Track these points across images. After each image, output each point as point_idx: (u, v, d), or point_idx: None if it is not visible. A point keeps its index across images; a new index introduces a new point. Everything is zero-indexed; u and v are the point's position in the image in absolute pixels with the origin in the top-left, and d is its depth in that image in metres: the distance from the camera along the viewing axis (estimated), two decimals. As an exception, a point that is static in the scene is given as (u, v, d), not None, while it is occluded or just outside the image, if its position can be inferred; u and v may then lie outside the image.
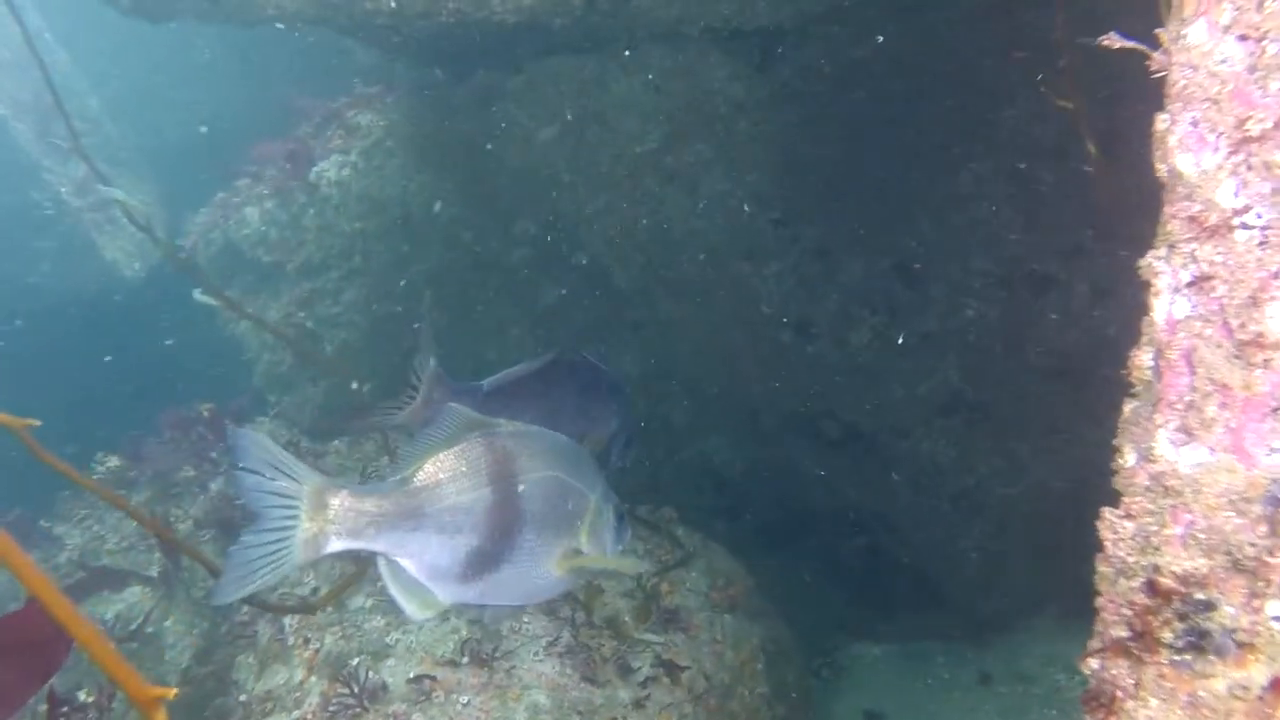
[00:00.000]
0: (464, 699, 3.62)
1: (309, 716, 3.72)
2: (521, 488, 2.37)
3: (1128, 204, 4.85)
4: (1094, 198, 4.18)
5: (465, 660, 3.74)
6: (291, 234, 6.50)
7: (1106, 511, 1.98)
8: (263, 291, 6.65)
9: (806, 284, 5.92)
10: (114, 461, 5.56)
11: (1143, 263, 2.17)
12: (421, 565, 2.28)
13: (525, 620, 3.95)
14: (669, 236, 6.06)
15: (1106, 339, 5.70)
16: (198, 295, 4.52)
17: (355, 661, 3.81)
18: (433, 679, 3.67)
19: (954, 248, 5.76)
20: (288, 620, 3.99)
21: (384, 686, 3.70)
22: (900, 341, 5.84)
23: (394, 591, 2.30)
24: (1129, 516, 1.90)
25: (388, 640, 3.85)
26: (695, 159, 5.97)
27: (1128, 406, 2.28)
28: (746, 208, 5.95)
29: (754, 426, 6.42)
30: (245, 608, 4.22)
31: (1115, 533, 1.93)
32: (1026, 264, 5.71)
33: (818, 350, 5.99)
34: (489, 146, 6.26)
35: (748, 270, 5.99)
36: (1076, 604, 5.75)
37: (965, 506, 6.13)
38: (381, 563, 2.30)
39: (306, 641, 3.91)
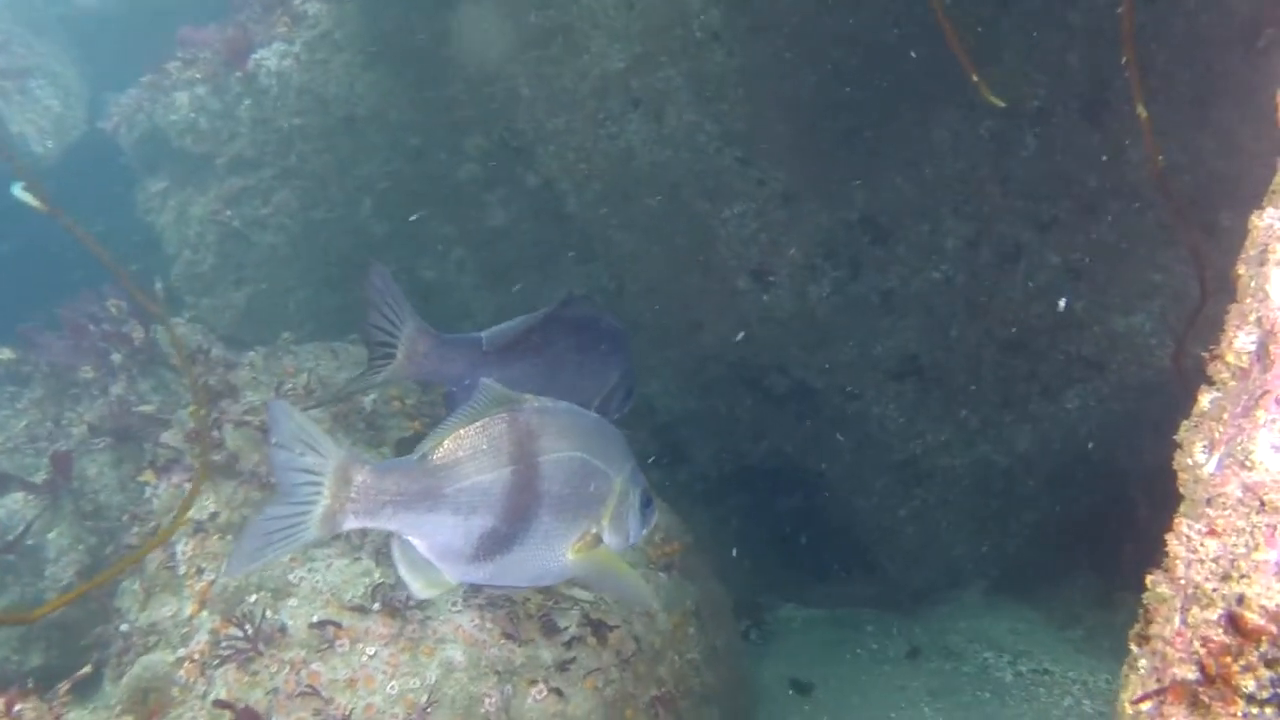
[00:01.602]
0: (370, 650, 3.19)
1: (195, 656, 3.26)
2: (543, 468, 2.27)
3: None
4: (1147, 162, 3.73)
5: (376, 607, 3.30)
6: (223, 125, 5.88)
7: (1184, 523, 1.59)
8: (188, 184, 6.04)
9: (768, 229, 5.49)
10: (6, 354, 4.98)
11: (1258, 222, 1.77)
12: (433, 545, 2.24)
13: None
14: (629, 165, 5.58)
15: (1072, 315, 5.38)
16: (16, 192, 3.77)
17: (253, 599, 3.35)
18: (338, 625, 3.23)
19: (925, 205, 5.37)
20: (180, 546, 3.51)
21: (283, 629, 3.25)
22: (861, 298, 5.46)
23: (401, 569, 2.26)
24: (1213, 533, 1.51)
25: (290, 578, 3.39)
26: (664, 85, 5.47)
27: (1205, 397, 1.89)
28: (713, 142, 5.48)
29: (699, 373, 6.01)
30: (136, 525, 3.73)
31: (1192, 550, 1.53)
32: (998, 229, 5.35)
33: (773, 300, 5.58)
34: (445, 51, 5.70)
35: (708, 209, 5.54)
36: (1003, 579, 5.48)
37: (908, 474, 5.81)
38: (394, 541, 2.25)
39: (200, 571, 3.44)
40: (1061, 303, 5.27)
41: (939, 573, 6.05)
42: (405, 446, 3.87)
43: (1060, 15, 5.17)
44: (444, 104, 5.81)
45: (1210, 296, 4.67)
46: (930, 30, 5.37)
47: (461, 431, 2.23)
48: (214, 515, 3.56)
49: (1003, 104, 4.14)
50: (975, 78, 4.03)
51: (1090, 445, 5.75)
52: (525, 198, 5.98)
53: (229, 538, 3.48)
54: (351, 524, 2.16)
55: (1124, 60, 3.04)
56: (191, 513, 3.57)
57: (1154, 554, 5.32)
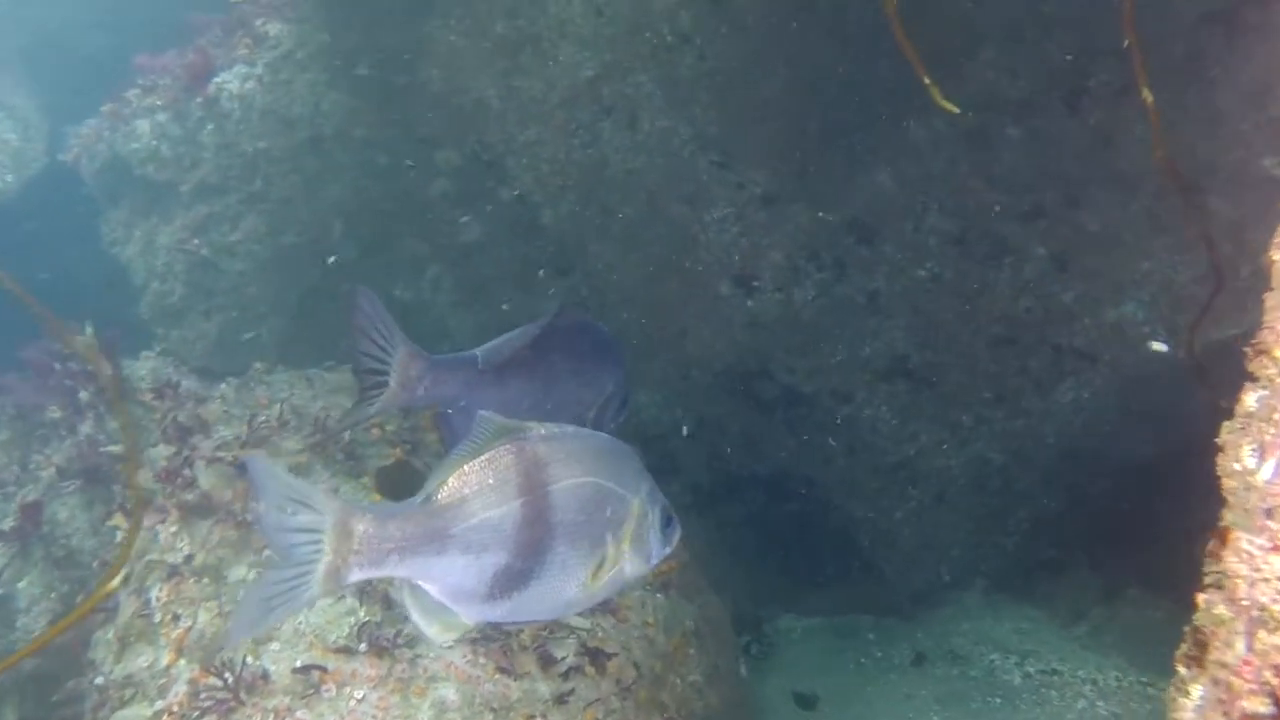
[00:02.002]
0: (359, 693, 3.01)
1: (174, 708, 3.08)
2: (554, 497, 2.18)
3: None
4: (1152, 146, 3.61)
5: (362, 647, 3.12)
6: (187, 151, 5.70)
7: (1242, 537, 1.44)
8: (153, 213, 5.85)
9: (749, 233, 5.35)
10: (-32, 396, 4.79)
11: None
12: (445, 588, 2.14)
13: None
14: (603, 174, 5.43)
15: (1061, 308, 5.25)
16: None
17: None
18: (323, 669, 3.05)
19: (908, 203, 5.23)
20: (155, 591, 3.33)
21: (265, 676, 3.06)
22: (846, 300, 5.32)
23: (414, 615, 2.17)
24: (1278, 549, 1.36)
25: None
26: (635, 92, 5.32)
27: (1250, 396, 1.74)
28: (688, 147, 5.33)
29: (685, 383, 5.85)
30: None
31: (1255, 568, 1.38)
32: (983, 224, 5.22)
33: (758, 305, 5.43)
34: (410, 66, 5.54)
35: (687, 215, 5.39)
36: (1003, 578, 5.33)
37: (903, 476, 5.67)
38: (405, 588, 2.17)
39: (176, 618, 3.25)
40: (1160, 346, 5.15)
41: (937, 574, 5.90)
42: (386, 476, 3.70)
43: (1035, 5, 5.05)
44: (412, 120, 5.65)
45: (1222, 283, 4.59)
46: (905, 25, 5.28)
47: (466, 468, 2.13)
48: (189, 558, 3.37)
49: (957, 109, 3.94)
50: (928, 81, 3.85)
51: (1085, 438, 5.62)
52: (499, 212, 5.82)
53: (205, 581, 3.30)
54: (357, 576, 2.06)
55: (1126, 44, 2.90)
56: (165, 556, 3.39)
57: (1153, 546, 5.15)
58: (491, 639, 3.23)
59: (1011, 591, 6.07)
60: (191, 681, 3.09)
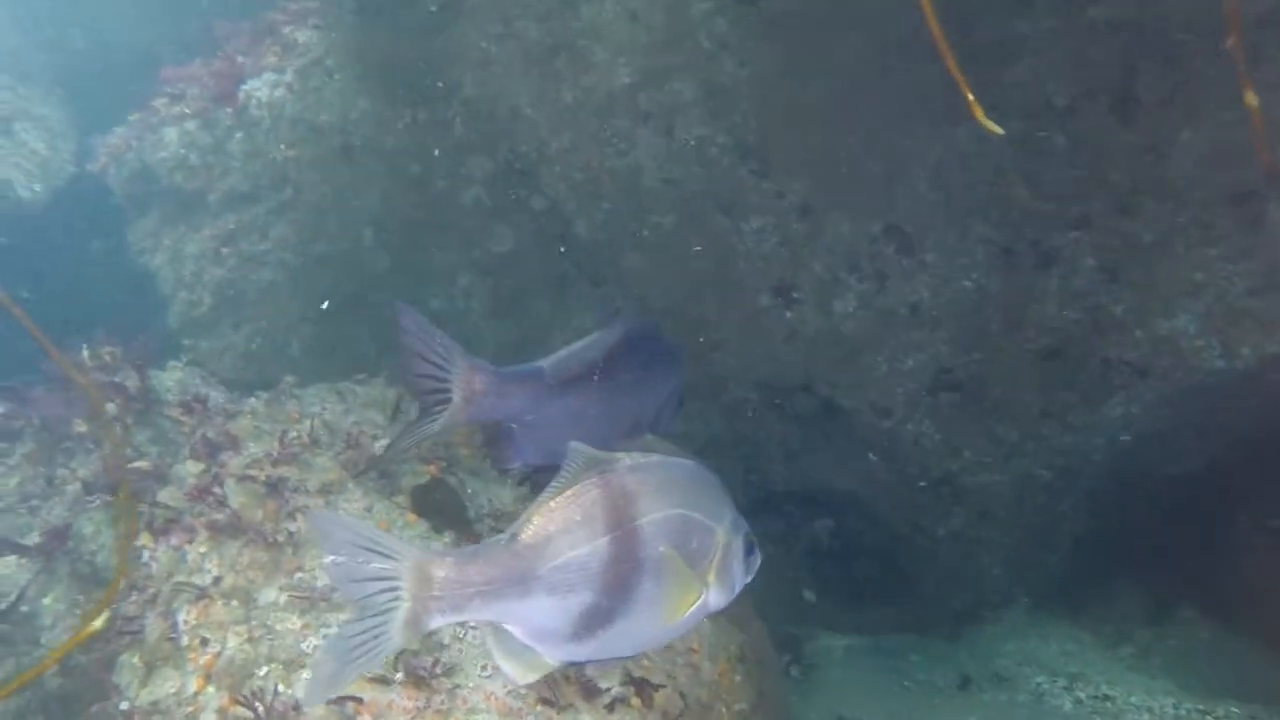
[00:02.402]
0: (395, 725, 2.85)
1: (202, 738, 2.93)
2: (642, 532, 2.10)
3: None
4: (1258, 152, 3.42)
5: (399, 677, 2.96)
6: (215, 159, 5.58)
7: None
8: (181, 222, 5.73)
9: (789, 243, 5.18)
10: (-5, 408, 4.65)
11: None
12: (529, 629, 2.07)
13: (471, 626, 3.18)
14: (639, 183, 5.27)
15: (1111, 320, 5.06)
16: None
17: (263, 672, 3.01)
18: (358, 700, 2.89)
19: (953, 211, 5.06)
20: (183, 615, 3.18)
21: (297, 707, 2.91)
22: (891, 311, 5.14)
23: (497, 657, 2.11)
24: None
25: (304, 647, 3.05)
26: (672, 99, 5.17)
27: None
28: (726, 156, 5.17)
29: (721, 396, 5.68)
30: (134, 593, 3.39)
31: None
32: (1029, 233, 5.03)
33: (797, 316, 5.26)
34: (442, 73, 5.40)
35: (725, 225, 5.23)
36: (1047, 597, 5.15)
37: (946, 493, 5.47)
38: (489, 630, 2.10)
39: (204, 643, 3.10)
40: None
41: (980, 593, 5.71)
42: (423, 495, 3.55)
43: (1080, 9, 4.88)
44: (443, 127, 5.51)
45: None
46: (946, 30, 5.11)
47: (552, 505, 2.06)
48: (217, 580, 3.22)
49: (1000, 130, 3.73)
50: (970, 98, 3.63)
51: (1133, 453, 5.43)
52: (531, 221, 5.67)
53: (234, 604, 3.15)
54: (438, 622, 1.98)
55: (1229, 43, 2.73)
56: (193, 578, 3.24)
57: (1199, 565, 4.94)
58: (532, 667, 3.07)
59: (1055, 610, 5.87)
60: (220, 710, 2.94)
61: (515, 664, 2.09)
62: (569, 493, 2.07)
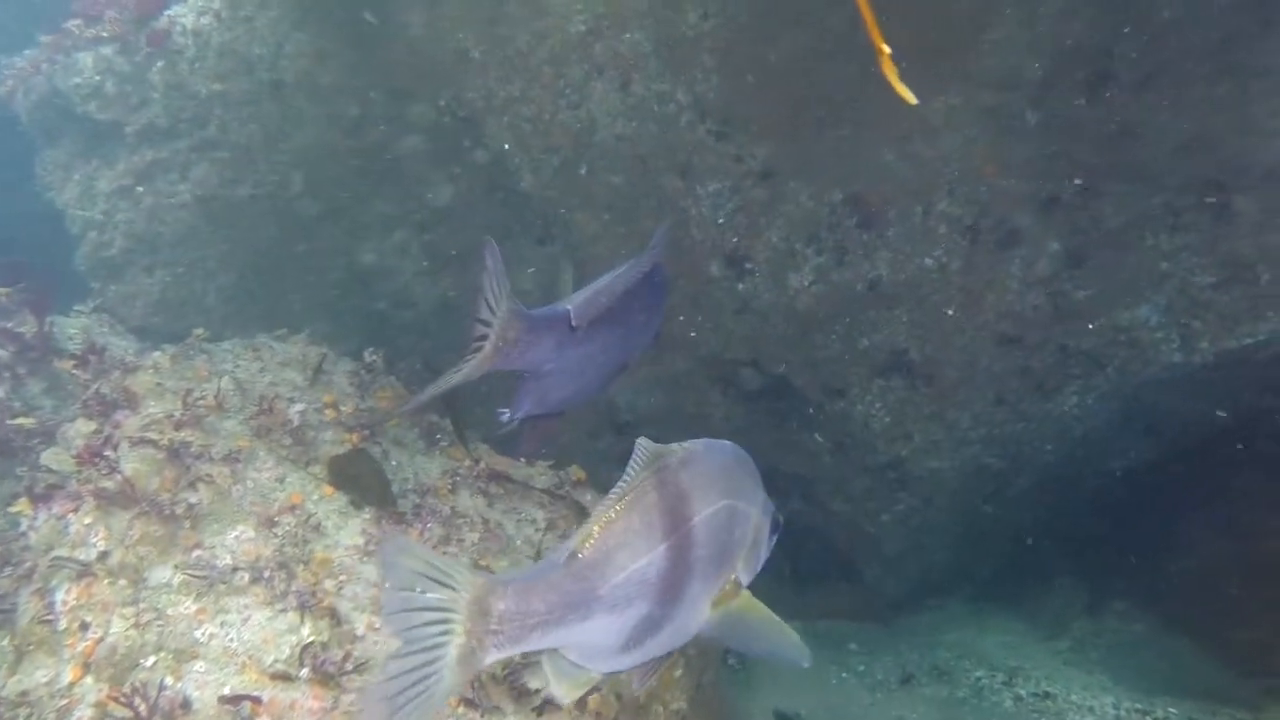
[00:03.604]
0: (298, 730, 2.48)
1: (75, 737, 2.52)
2: (694, 533, 1.96)
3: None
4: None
5: (304, 673, 2.58)
6: (134, 90, 5.06)
7: None
8: (93, 156, 5.21)
9: (746, 210, 4.82)
10: None
11: None
12: (583, 650, 1.93)
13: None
14: (591, 138, 4.87)
15: (1072, 306, 4.80)
16: None
17: (150, 662, 2.61)
18: (256, 700, 2.50)
19: (918, 185, 4.74)
20: (61, 594, 2.75)
21: (186, 704, 2.51)
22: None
23: (550, 679, 1.95)
24: None
25: (197, 635, 2.65)
26: (630, 50, 4.76)
27: None
28: (684, 114, 4.79)
29: (664, 367, 5.33)
30: (7, 568, 2.96)
31: None
32: (996, 212, 4.75)
33: (750, 288, 4.92)
34: (387, 9, 4.93)
35: (679, 187, 4.86)
36: (986, 586, 4.94)
37: (892, 478, 5.20)
38: (545, 658, 1.94)
39: (84, 627, 2.68)
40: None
41: (920, 581, 5.47)
42: (341, 467, 3.15)
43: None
44: (385, 70, 5.05)
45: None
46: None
47: (611, 515, 1.89)
48: (104, 555, 2.80)
49: (914, 99, 3.22)
50: (886, 51, 3.09)
51: (1082, 445, 5.21)
52: (474, 172, 5.25)
53: (122, 583, 2.73)
54: (494, 658, 1.78)
55: None
56: (76, 552, 2.81)
57: (1139, 558, 4.71)
58: (456, 664, 2.72)
59: (994, 600, 5.67)
60: (98, 705, 2.54)
61: (564, 685, 1.94)
62: (628, 498, 1.90)
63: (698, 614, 2.03)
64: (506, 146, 5.01)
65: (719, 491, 2.04)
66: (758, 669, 4.64)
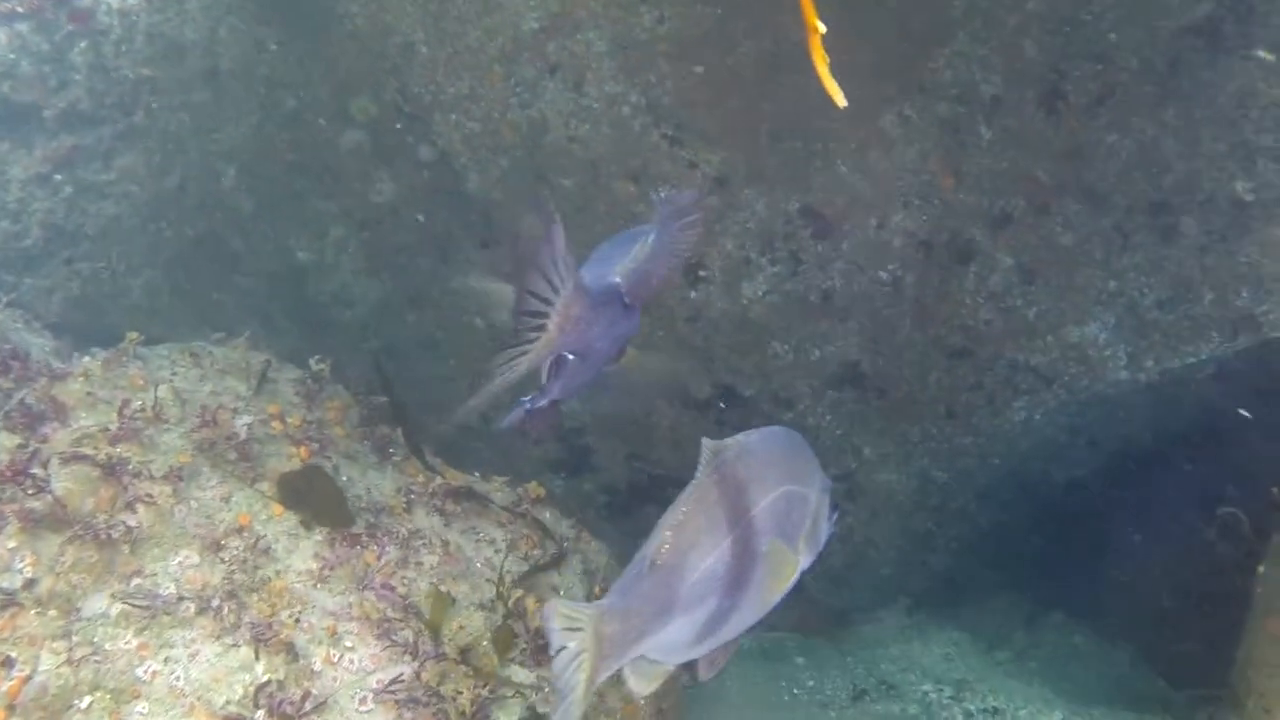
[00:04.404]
0: (253, 778, 2.27)
1: (0, 790, 2.27)
2: (757, 522, 2.02)
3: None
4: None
5: (259, 715, 2.37)
6: (53, 70, 4.72)
7: None
8: (7, 140, 4.85)
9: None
10: None
11: None
12: (660, 647, 1.98)
13: (348, 647, 2.60)
14: (542, 139, 4.69)
15: (1023, 322, 4.78)
16: None
17: (85, 703, 2.37)
18: (206, 745, 2.29)
19: (873, 197, 4.67)
20: (-17, 625, 2.49)
21: (126, 751, 2.29)
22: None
23: (628, 675, 2.01)
24: None
25: (140, 672, 2.42)
26: (585, 50, 4.60)
27: None
28: (638, 117, 4.64)
29: (612, 375, 5.16)
30: (-80, 593, 2.67)
31: None
32: (950, 225, 4.70)
33: (702, 297, 4.79)
34: (328, -4, 4.68)
35: (632, 193, 4.70)
36: (927, 596, 4.94)
37: (840, 491, 5.13)
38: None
39: (8, 663, 2.42)
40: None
41: (865, 594, 5.41)
42: (291, 485, 2.93)
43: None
44: (327, 59, 4.79)
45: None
46: (881, 5, 4.71)
47: (680, 517, 1.96)
48: (31, 583, 2.53)
49: (843, 101, 3.05)
50: (820, 47, 2.85)
51: (1028, 459, 5.21)
52: (418, 171, 5.02)
53: (51, 614, 2.48)
54: (604, 677, 1.88)
55: None
56: (0, 580, 2.55)
57: (1078, 571, 4.71)
58: (420, 701, 2.53)
59: (935, 610, 5.64)
60: (26, 751, 2.30)
61: (641, 680, 2.00)
62: (693, 498, 1.98)
63: (763, 598, 2.09)
64: (453, 145, 4.80)
65: (776, 479, 2.09)
66: (710, 691, 4.52)
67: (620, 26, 4.58)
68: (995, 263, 4.71)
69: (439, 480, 3.31)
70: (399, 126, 4.90)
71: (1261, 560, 4.15)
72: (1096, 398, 4.89)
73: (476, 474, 3.50)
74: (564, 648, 1.84)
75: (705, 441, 2.08)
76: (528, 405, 2.32)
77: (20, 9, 4.69)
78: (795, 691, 4.54)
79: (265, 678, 2.40)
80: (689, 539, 1.95)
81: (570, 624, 1.86)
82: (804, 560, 2.19)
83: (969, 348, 4.82)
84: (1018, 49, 4.61)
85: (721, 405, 5.06)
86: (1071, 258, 4.70)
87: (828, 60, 2.38)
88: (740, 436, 2.13)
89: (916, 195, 4.65)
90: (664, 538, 1.95)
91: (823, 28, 2.33)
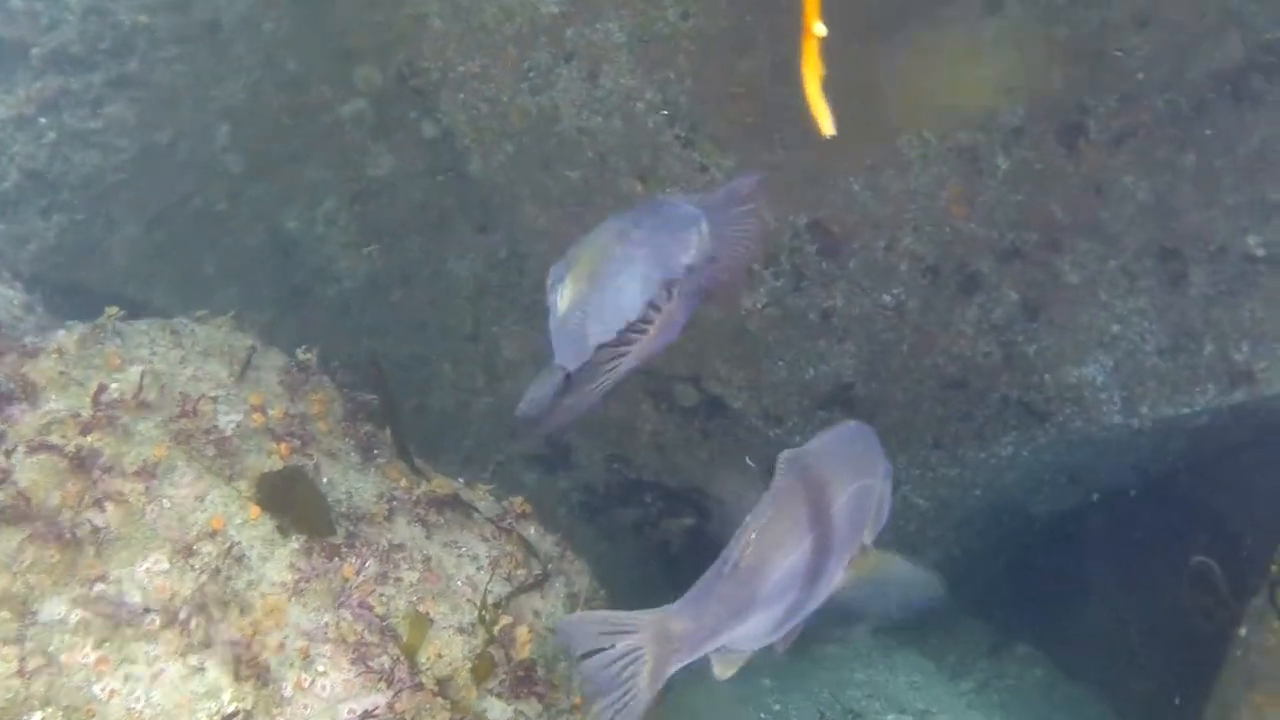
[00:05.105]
0: (213, 816, 2.11)
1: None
2: (835, 520, 2.14)
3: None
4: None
5: (223, 746, 2.20)
6: (44, 7, 4.46)
7: None
8: (-9, 76, 4.59)
9: (706, 224, 4.52)
10: None
11: None
12: (739, 638, 2.10)
13: (320, 671, 2.44)
14: (552, 128, 4.50)
15: (1023, 358, 4.66)
16: None
17: (35, 719, 2.20)
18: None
19: (884, 218, 4.53)
20: (-70, 624, 2.29)
21: (77, 777, 2.12)
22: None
23: (715, 666, 2.15)
24: None
25: (97, 690, 2.23)
26: (604, 39, 4.41)
27: None
28: (652, 114, 4.46)
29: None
30: None
31: None
32: (958, 254, 4.56)
33: (701, 304, 4.62)
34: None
35: (638, 192, 4.53)
36: (893, 622, 4.84)
37: (821, 510, 5.01)
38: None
39: (-42, 670, 2.24)
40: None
41: (833, 614, 5.31)
42: (270, 483, 2.75)
43: (1047, 29, 4.43)
44: (334, 23, 4.56)
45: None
46: (907, 21, 4.56)
47: (764, 520, 2.06)
48: (-21, 579, 2.35)
49: (831, 130, 2.78)
50: (811, 41, 2.54)
51: (1008, 492, 5.12)
52: (419, 148, 4.81)
53: (5, 616, 2.30)
54: (677, 667, 1.98)
55: None
56: (-48, 574, 2.35)
57: (1044, 604, 4.69)
58: (394, 735, 2.38)
59: (899, 635, 5.56)
60: (-33, 769, 2.12)
61: (723, 665, 2.13)
62: (776, 502, 2.08)
63: (831, 587, 2.24)
64: (458, 125, 4.59)
65: (850, 475, 2.21)
66: (671, 703, 4.40)
67: (642, 18, 4.40)
68: (1000, 296, 4.58)
69: (424, 487, 3.14)
70: (403, 99, 4.69)
71: (1240, 622, 4.08)
72: (1086, 439, 4.80)
73: (461, 480, 3.33)
74: (603, 650, 1.88)
75: (784, 453, 2.17)
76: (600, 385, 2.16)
77: (14, -60, 4.41)
78: (761, 716, 4.43)
79: (232, 706, 2.23)
80: (772, 540, 2.05)
81: (615, 629, 1.91)
82: (870, 540, 2.32)
83: (965, 379, 4.70)
84: (1043, 80, 4.48)
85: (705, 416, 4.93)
86: (1077, 297, 4.58)
87: (822, 73, 2.00)
88: (815, 443, 2.25)
89: (928, 220, 4.51)
90: (748, 540, 2.04)
91: (822, 30, 1.94)
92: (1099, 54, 4.44)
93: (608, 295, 2.05)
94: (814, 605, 2.25)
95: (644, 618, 1.94)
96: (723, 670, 2.16)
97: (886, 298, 4.58)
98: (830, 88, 4.02)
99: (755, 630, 2.10)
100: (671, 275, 2.10)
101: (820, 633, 5.35)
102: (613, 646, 1.89)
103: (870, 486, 2.29)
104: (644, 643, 1.91)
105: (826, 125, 1.98)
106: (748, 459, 4.99)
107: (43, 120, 4.48)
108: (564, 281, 2.09)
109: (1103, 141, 4.49)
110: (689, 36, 4.37)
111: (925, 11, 4.37)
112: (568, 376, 2.19)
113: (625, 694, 1.89)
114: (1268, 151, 4.47)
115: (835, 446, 2.27)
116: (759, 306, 4.60)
